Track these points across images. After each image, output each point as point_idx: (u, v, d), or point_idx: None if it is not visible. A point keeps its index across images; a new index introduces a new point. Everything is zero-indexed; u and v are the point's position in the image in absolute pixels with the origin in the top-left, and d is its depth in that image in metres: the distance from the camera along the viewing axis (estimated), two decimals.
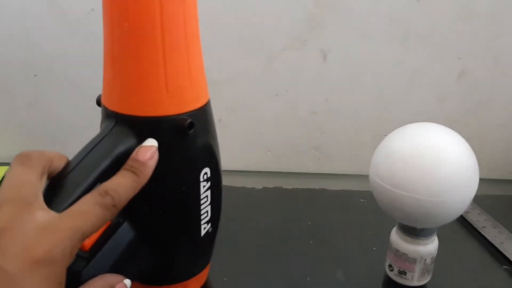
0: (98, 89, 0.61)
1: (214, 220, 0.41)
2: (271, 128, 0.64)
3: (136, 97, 0.35)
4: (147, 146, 0.34)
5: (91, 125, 0.63)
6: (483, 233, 0.52)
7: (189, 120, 0.35)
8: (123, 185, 0.32)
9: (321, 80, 0.61)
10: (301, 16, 0.58)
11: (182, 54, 0.35)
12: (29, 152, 0.31)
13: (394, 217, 0.41)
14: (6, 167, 0.64)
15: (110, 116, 0.36)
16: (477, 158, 0.41)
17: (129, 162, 0.33)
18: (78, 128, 0.65)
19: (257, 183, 0.63)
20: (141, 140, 0.35)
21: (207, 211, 0.40)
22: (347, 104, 0.63)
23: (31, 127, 0.65)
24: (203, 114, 0.38)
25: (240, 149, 0.65)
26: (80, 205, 0.30)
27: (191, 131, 0.36)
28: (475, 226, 0.53)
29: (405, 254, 0.42)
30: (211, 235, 0.41)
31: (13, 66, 0.62)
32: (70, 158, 0.34)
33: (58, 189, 0.32)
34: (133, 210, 0.36)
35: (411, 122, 0.50)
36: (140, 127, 0.35)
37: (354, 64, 0.60)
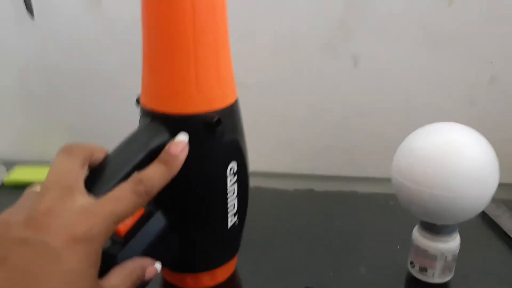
0: (138, 91, 0.65)
1: (241, 213, 0.44)
2: (303, 131, 0.66)
3: (169, 96, 0.38)
4: (178, 140, 0.37)
5: (134, 126, 0.68)
6: (508, 232, 0.52)
7: (216, 117, 0.38)
8: (155, 175, 0.35)
9: (352, 84, 0.63)
10: (332, 22, 0.60)
11: (211, 57, 0.38)
12: (72, 144, 0.35)
13: (415, 214, 0.42)
14: None
15: (146, 114, 0.40)
16: (506, 163, 0.41)
17: (162, 154, 0.36)
18: (123, 129, 0.69)
19: (289, 185, 0.65)
20: (173, 135, 0.38)
21: (234, 204, 0.42)
22: (378, 108, 0.64)
23: (79, 129, 0.70)
24: (230, 112, 0.41)
25: (272, 151, 0.67)
26: (116, 191, 0.33)
27: (219, 127, 0.38)
28: (499, 224, 0.53)
29: (425, 250, 0.43)
30: (238, 227, 0.44)
31: (63, 73, 0.67)
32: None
33: (97, 177, 0.35)
34: (165, 201, 0.39)
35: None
36: (172, 123, 0.38)
37: (384, 68, 0.62)
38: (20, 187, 0.63)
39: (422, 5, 0.58)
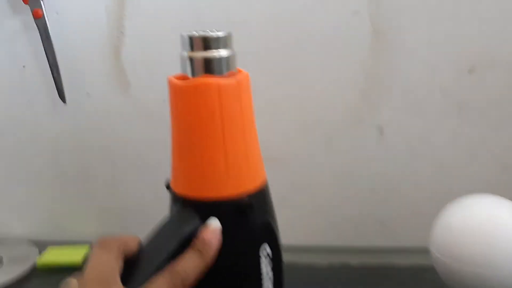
0: (169, 171, 0.66)
1: None
2: (333, 203, 0.65)
3: (199, 182, 0.38)
4: (211, 227, 0.37)
5: (165, 203, 0.68)
6: None
7: (247, 201, 0.38)
8: (191, 265, 0.35)
9: (380, 155, 0.62)
10: (355, 93, 0.60)
11: (240, 141, 0.38)
12: (106, 237, 0.36)
13: None
14: (87, 245, 0.69)
15: (177, 199, 0.40)
16: None
17: (196, 243, 0.36)
18: (153, 207, 0.69)
19: (322, 259, 0.63)
20: (204, 220, 0.38)
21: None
22: (408, 177, 0.63)
23: (110, 207, 0.71)
24: (261, 194, 0.41)
25: (303, 224, 0.66)
26: (152, 284, 0.33)
27: (250, 210, 0.38)
28: None
29: None
30: None
31: (94, 153, 0.68)
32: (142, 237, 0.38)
33: (133, 269, 0.35)
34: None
35: (474, 192, 0.50)
36: (204, 209, 0.38)
37: (411, 138, 0.61)
38: (52, 270, 0.64)
39: (443, 73, 0.59)
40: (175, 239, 0.37)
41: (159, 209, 0.68)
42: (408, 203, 0.64)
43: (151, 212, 0.70)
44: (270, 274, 0.41)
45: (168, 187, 0.43)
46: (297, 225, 0.66)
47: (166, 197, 0.68)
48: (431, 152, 0.62)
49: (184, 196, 0.39)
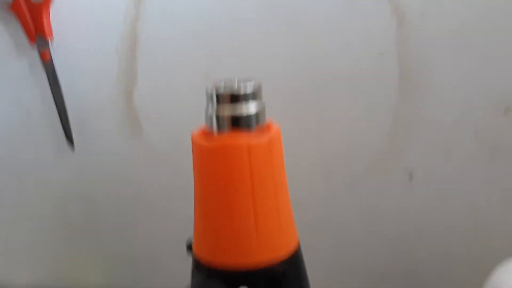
0: (183, 220, 0.62)
1: None
2: (359, 253, 0.61)
3: (227, 250, 0.35)
4: None
5: (177, 254, 0.64)
6: None
7: (281, 270, 0.35)
8: None
9: (408, 201, 0.59)
10: (381, 137, 0.57)
11: (271, 204, 0.35)
12: None
13: None
14: None
15: (201, 267, 0.36)
16: None
17: None
18: (164, 257, 0.66)
19: None
20: None
21: None
22: (437, 224, 0.59)
23: (119, 257, 0.67)
24: (294, 259, 0.37)
25: (327, 275, 0.62)
26: None
27: (283, 280, 0.35)
28: None
29: None
30: None
31: (102, 200, 0.65)
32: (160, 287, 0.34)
33: None
34: None
35: (510, 239, 0.46)
36: (232, 279, 0.34)
37: (441, 183, 0.58)
38: None
39: (476, 115, 0.55)
40: None
41: (171, 260, 0.65)
42: (438, 252, 0.60)
43: (163, 262, 0.66)
44: None
45: (190, 248, 0.39)
46: (320, 275, 0.62)
47: (179, 247, 0.64)
48: (463, 198, 0.58)
49: (210, 265, 0.35)
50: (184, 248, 0.56)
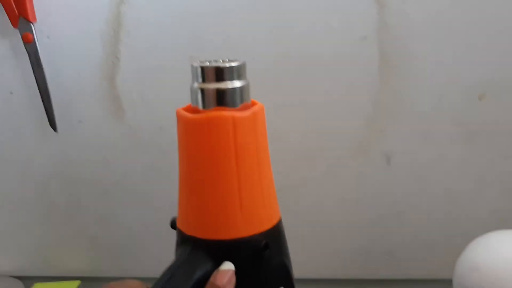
0: (165, 203, 0.63)
1: None
2: (338, 233, 0.63)
3: (212, 222, 0.35)
4: (224, 270, 0.34)
5: (159, 238, 0.65)
6: None
7: (264, 241, 0.35)
8: None
9: (387, 183, 0.60)
10: (362, 123, 0.59)
11: (255, 177, 0.36)
12: (112, 284, 0.32)
13: None
14: (78, 281, 0.66)
15: (186, 240, 0.37)
16: None
17: (208, 286, 0.33)
18: (146, 242, 0.66)
19: None
20: (218, 263, 0.35)
21: None
22: (416, 206, 0.61)
23: (102, 241, 0.67)
24: (276, 232, 0.38)
25: (307, 255, 0.64)
26: None
27: (267, 251, 0.36)
28: None
29: None
30: None
31: (86, 184, 0.65)
32: (141, 272, 0.35)
33: None
34: None
35: (484, 222, 0.48)
36: (217, 250, 0.35)
37: (419, 166, 0.59)
38: None
39: (452, 101, 0.57)
40: (186, 284, 0.34)
41: (154, 244, 0.66)
42: (416, 232, 0.62)
43: (146, 247, 0.67)
44: None
45: (174, 226, 0.40)
46: (302, 257, 0.63)
47: (161, 230, 0.65)
48: (440, 180, 0.60)
49: (195, 238, 0.36)
50: (167, 231, 0.56)
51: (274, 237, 0.37)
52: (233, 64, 0.35)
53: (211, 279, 0.34)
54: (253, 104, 0.37)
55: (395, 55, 0.56)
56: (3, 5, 0.58)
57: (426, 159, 0.59)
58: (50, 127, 0.62)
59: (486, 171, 0.59)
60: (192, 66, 0.36)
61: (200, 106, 0.36)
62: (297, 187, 0.61)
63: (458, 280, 0.39)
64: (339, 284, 0.63)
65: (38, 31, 0.59)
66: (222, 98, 0.35)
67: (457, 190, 0.60)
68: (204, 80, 0.36)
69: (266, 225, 0.37)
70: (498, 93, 0.57)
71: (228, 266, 0.35)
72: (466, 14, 0.55)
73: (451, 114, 0.58)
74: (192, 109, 0.37)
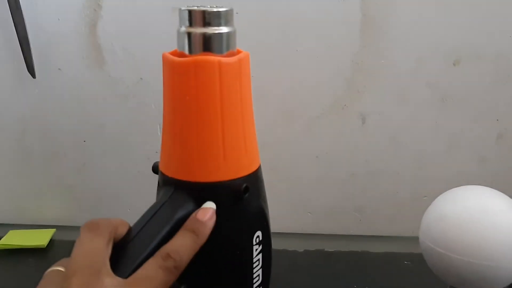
0: (143, 154, 0.64)
1: (265, 284, 0.41)
2: (312, 190, 0.65)
3: (195, 164, 0.36)
4: (206, 207, 0.35)
5: (136, 189, 0.65)
6: None
7: (244, 185, 0.37)
8: (183, 246, 0.33)
9: (361, 143, 0.62)
10: (340, 83, 0.60)
11: (238, 123, 0.37)
12: (97, 221, 0.33)
13: (448, 281, 0.41)
14: (53, 230, 0.66)
15: (168, 182, 0.38)
16: None
17: (189, 222, 0.34)
18: (123, 192, 0.67)
19: (299, 246, 0.63)
20: (199, 204, 0.36)
21: (258, 275, 0.40)
22: (387, 166, 0.63)
23: (79, 191, 0.67)
24: (256, 178, 0.39)
25: (281, 211, 0.66)
26: (144, 270, 0.31)
27: (247, 195, 0.37)
28: None
29: None
30: None
31: (64, 133, 0.65)
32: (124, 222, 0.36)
33: (123, 255, 0.33)
34: (189, 275, 0.37)
35: (452, 183, 0.50)
36: (199, 192, 0.36)
37: (393, 127, 0.61)
38: (13, 252, 0.61)
39: (429, 65, 0.59)
40: (168, 223, 0.35)
41: (132, 193, 0.66)
42: (387, 191, 0.64)
43: (123, 196, 0.68)
44: (261, 260, 0.40)
45: (156, 171, 0.41)
46: (276, 213, 0.65)
47: (138, 181, 0.66)
48: (412, 142, 0.62)
49: (178, 179, 0.37)
50: (145, 182, 0.56)
51: (254, 182, 0.39)
52: (221, 9, 0.36)
53: (193, 215, 0.35)
54: (239, 52, 0.38)
55: (377, 17, 0.57)
56: None
57: (400, 120, 0.61)
58: (28, 73, 0.61)
59: (456, 134, 0.62)
60: (180, 10, 0.36)
61: (186, 51, 0.36)
62: (275, 144, 0.63)
63: (425, 231, 0.41)
64: (311, 238, 0.66)
65: None
66: (208, 43, 0.36)
67: (428, 152, 0.63)
68: (191, 24, 0.36)
69: (247, 170, 0.38)
70: (472, 60, 0.59)
71: (210, 205, 0.36)
72: None
73: (426, 78, 0.59)
74: (178, 54, 0.37)
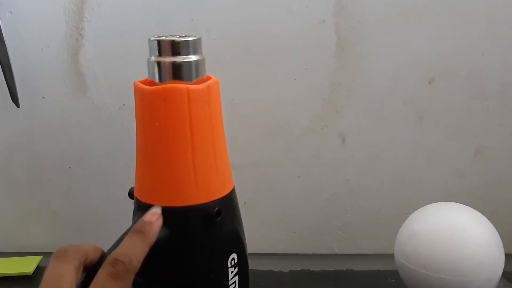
0: (127, 179, 0.64)
1: None
2: (295, 210, 0.66)
3: (166, 189, 0.37)
4: (152, 210, 0.36)
5: (121, 214, 0.66)
6: None
7: (216, 208, 0.37)
8: (131, 247, 0.33)
9: (341, 162, 0.63)
10: (319, 104, 0.61)
11: (209, 148, 0.38)
12: (66, 247, 0.34)
13: None
14: (40, 257, 0.66)
15: (142, 208, 0.38)
16: (500, 234, 0.41)
17: (135, 225, 0.35)
18: (109, 217, 0.67)
19: (284, 266, 0.63)
20: (172, 228, 0.37)
21: None
22: (368, 184, 0.64)
23: (64, 216, 0.68)
24: (229, 201, 0.40)
25: (265, 231, 0.66)
26: (95, 282, 0.31)
27: (219, 218, 0.38)
28: None
29: None
30: None
31: (49, 159, 0.65)
32: (103, 247, 0.36)
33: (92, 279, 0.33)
34: None
35: (432, 199, 0.51)
36: (171, 216, 0.37)
37: (372, 145, 0.62)
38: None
39: (404, 84, 0.60)
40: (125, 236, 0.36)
41: (116, 219, 0.67)
42: (368, 209, 0.65)
43: (107, 221, 0.68)
44: (237, 283, 0.40)
45: (131, 196, 0.42)
46: (259, 234, 0.66)
47: (124, 206, 0.66)
48: (392, 160, 0.63)
49: (150, 205, 0.38)
50: (129, 207, 0.57)
51: (227, 205, 0.39)
52: (189, 38, 0.37)
53: (141, 218, 0.35)
54: (209, 78, 0.39)
55: (351, 38, 0.59)
56: None
57: (378, 139, 0.62)
58: (13, 103, 0.62)
59: (435, 151, 0.62)
60: (149, 40, 0.37)
61: (156, 79, 0.37)
62: (256, 164, 0.64)
63: (398, 248, 0.41)
64: (295, 258, 0.66)
65: (0, 5, 0.59)
66: (177, 72, 0.37)
67: (407, 169, 0.63)
68: (160, 54, 0.37)
69: (219, 194, 0.39)
70: (447, 77, 0.60)
71: (155, 209, 0.36)
72: (421, 1, 0.58)
73: (403, 96, 0.61)
74: (149, 82, 0.38)
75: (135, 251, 0.33)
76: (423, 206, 0.50)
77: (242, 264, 0.41)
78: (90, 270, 0.34)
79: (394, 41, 0.59)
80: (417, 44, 0.59)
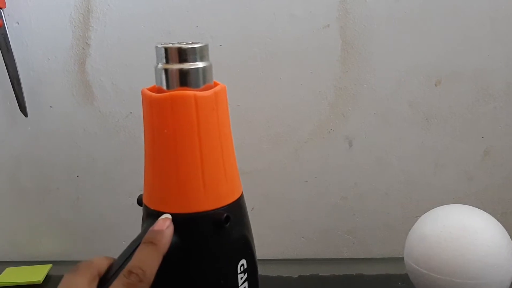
0: (135, 186, 0.64)
1: None
2: (303, 215, 0.65)
3: (175, 196, 0.37)
4: (162, 219, 0.36)
5: (130, 221, 0.66)
6: None
7: (225, 214, 0.37)
8: (144, 259, 0.34)
9: (349, 166, 0.63)
10: (325, 108, 0.61)
11: (217, 154, 0.38)
12: (78, 264, 0.34)
13: None
14: (49, 265, 0.66)
15: (151, 215, 0.39)
16: (510, 236, 0.41)
17: (147, 235, 0.35)
18: (117, 225, 0.67)
19: (293, 271, 0.63)
20: (181, 235, 0.37)
21: None
22: (377, 188, 0.64)
23: (73, 225, 0.68)
24: (237, 207, 0.40)
25: (274, 237, 0.66)
26: None
27: (228, 224, 0.38)
28: None
29: None
30: None
31: (57, 168, 0.66)
32: (112, 255, 0.36)
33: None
34: None
35: (441, 201, 0.51)
36: (180, 223, 0.37)
37: (379, 148, 0.62)
38: None
39: (411, 87, 0.60)
40: (135, 243, 0.36)
41: (125, 227, 0.67)
42: (377, 213, 0.65)
43: (118, 228, 0.68)
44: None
45: (140, 203, 0.42)
46: (268, 239, 0.66)
47: (132, 214, 0.66)
48: (399, 163, 0.63)
49: (159, 212, 0.38)
50: (138, 214, 0.57)
51: (236, 211, 0.39)
52: (196, 45, 0.37)
53: (150, 228, 0.35)
54: (216, 85, 0.39)
55: (356, 42, 0.59)
56: None
57: (385, 142, 0.62)
58: (21, 112, 0.62)
59: (443, 153, 0.62)
60: (156, 47, 0.38)
61: (164, 86, 0.38)
62: (264, 170, 0.64)
63: (408, 251, 0.41)
64: (304, 263, 0.66)
65: (8, 16, 0.60)
66: (185, 79, 0.37)
67: (415, 171, 0.63)
68: (167, 61, 0.37)
69: (228, 200, 0.39)
70: (453, 79, 0.60)
71: (166, 215, 0.36)
72: (424, 4, 0.58)
73: (409, 99, 0.61)
74: (156, 89, 0.38)
75: (148, 263, 0.33)
76: (432, 209, 0.50)
77: (251, 270, 0.41)
78: (103, 280, 0.34)
79: (399, 44, 0.59)
80: (422, 47, 0.59)
